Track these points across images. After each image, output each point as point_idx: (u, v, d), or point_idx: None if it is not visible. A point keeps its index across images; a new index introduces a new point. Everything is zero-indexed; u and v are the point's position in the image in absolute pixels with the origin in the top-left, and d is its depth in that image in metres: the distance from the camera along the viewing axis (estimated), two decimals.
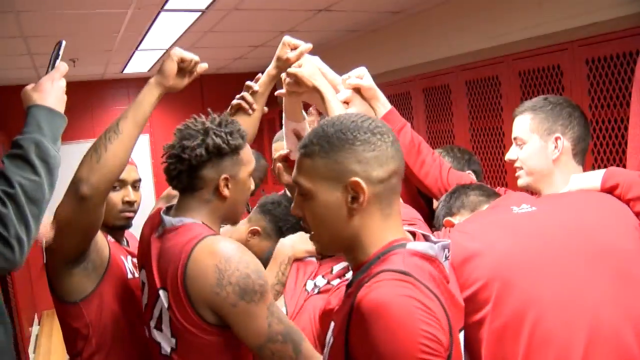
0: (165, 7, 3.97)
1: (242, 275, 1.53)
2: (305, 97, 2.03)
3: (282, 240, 2.05)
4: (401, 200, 1.59)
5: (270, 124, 7.03)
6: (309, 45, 1.98)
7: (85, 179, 1.64)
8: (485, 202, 1.81)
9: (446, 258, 1.28)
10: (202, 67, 1.97)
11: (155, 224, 1.73)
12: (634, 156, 2.79)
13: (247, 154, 1.74)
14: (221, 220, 1.75)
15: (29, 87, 1.56)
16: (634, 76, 2.74)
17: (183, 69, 1.89)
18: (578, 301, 1.43)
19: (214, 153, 1.65)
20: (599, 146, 3.27)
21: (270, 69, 2.03)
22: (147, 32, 4.72)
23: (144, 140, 7.44)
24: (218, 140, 1.64)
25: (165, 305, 1.59)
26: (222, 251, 1.55)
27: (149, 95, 1.81)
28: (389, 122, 2.00)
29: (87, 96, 7.08)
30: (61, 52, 1.72)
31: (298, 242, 2.01)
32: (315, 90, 1.91)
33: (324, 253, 1.75)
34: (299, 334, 1.60)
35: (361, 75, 2.02)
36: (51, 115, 1.51)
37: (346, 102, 1.97)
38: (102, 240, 1.93)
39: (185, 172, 1.66)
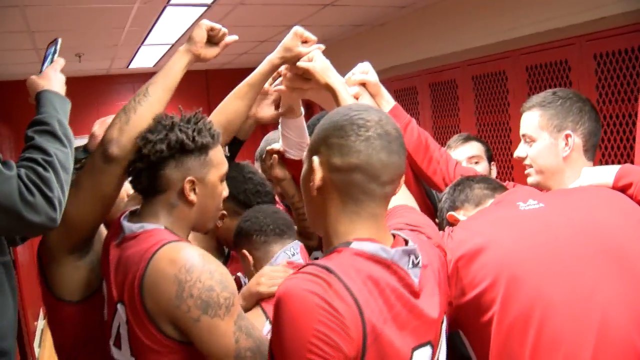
0: (171, 2, 3.95)
1: (204, 287, 1.38)
2: (310, 94, 1.95)
3: (248, 284, 1.84)
4: (413, 206, 1.59)
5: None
6: (322, 46, 1.89)
7: (115, 139, 1.58)
8: (491, 196, 1.76)
9: (415, 265, 1.21)
10: (232, 38, 1.86)
11: (116, 230, 1.58)
12: None
13: (218, 155, 1.60)
14: (189, 228, 1.61)
15: (34, 77, 1.68)
16: None
17: (212, 38, 1.82)
18: (587, 301, 1.38)
19: (176, 149, 1.52)
20: (606, 141, 3.25)
21: (274, 58, 1.89)
22: (152, 27, 4.70)
23: None
24: (182, 136, 1.52)
25: (124, 320, 1.45)
26: (183, 259, 1.40)
27: (179, 61, 1.77)
28: (394, 117, 1.99)
29: (92, 91, 7.07)
30: (58, 49, 1.82)
31: (265, 280, 1.79)
32: (327, 87, 1.80)
33: (311, 230, 1.70)
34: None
35: (366, 71, 1.99)
36: (61, 99, 1.63)
37: (355, 98, 1.91)
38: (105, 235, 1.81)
39: (144, 170, 1.53)
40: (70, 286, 1.72)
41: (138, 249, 1.46)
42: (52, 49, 1.80)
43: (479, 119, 4.23)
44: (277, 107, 2.12)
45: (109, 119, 1.75)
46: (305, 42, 1.88)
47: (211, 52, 1.84)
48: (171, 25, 4.70)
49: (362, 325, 1.08)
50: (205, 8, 4.20)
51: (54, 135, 1.51)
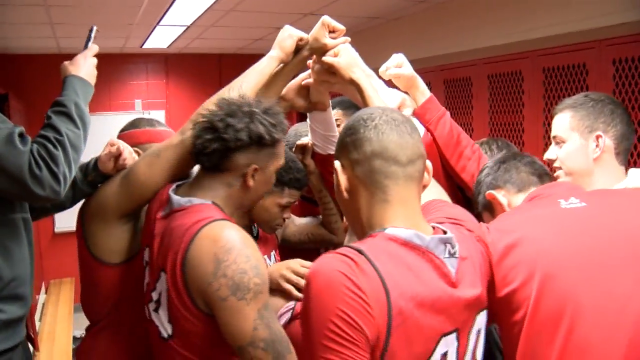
0: None
1: (239, 269, 1.44)
2: (338, 87, 1.94)
3: (270, 268, 1.99)
4: (444, 198, 1.59)
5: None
6: (347, 39, 1.89)
7: None
8: (536, 183, 1.70)
9: (451, 255, 1.23)
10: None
11: (162, 202, 1.67)
12: None
13: (281, 148, 1.69)
14: (237, 208, 1.69)
15: (66, 62, 1.89)
16: None
17: (298, 46, 1.94)
18: (620, 310, 1.33)
19: (254, 141, 1.59)
20: None
21: (304, 51, 1.93)
22: (169, 8, 4.68)
23: (159, 116, 7.44)
24: (262, 130, 1.59)
25: (165, 288, 1.54)
26: (224, 239, 1.47)
27: (269, 66, 1.87)
28: (427, 110, 1.97)
29: (105, 69, 6.98)
30: (93, 36, 2.00)
31: (286, 272, 1.98)
32: (352, 82, 1.80)
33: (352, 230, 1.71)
34: (287, 346, 1.49)
35: (400, 64, 1.96)
36: (83, 84, 1.83)
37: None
38: None
39: (219, 151, 1.60)
40: (112, 249, 1.82)
41: (184, 222, 1.54)
42: (88, 36, 1.99)
43: (492, 118, 4.20)
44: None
45: (118, 141, 1.86)
46: (332, 31, 1.89)
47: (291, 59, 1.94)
48: (188, 6, 4.67)
49: (387, 306, 1.10)
50: None
51: (69, 116, 1.69)
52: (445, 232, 1.27)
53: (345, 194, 1.30)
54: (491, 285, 1.41)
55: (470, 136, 4.29)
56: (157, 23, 5.37)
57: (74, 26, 5.31)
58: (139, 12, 4.81)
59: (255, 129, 1.59)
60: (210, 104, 1.71)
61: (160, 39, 6.31)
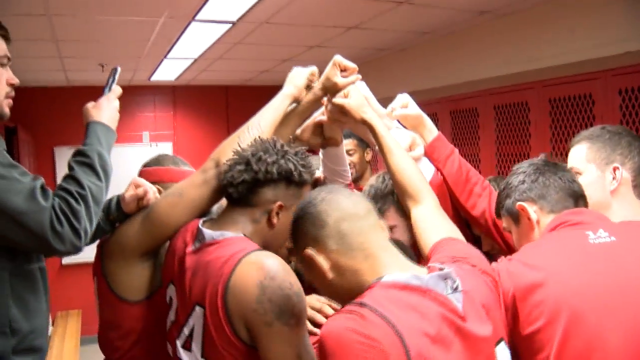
0: (197, 18, 3.98)
1: (283, 295, 1.45)
2: (350, 126, 1.97)
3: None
4: (455, 235, 1.57)
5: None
6: (359, 76, 1.92)
7: None
8: (570, 206, 1.63)
9: (454, 290, 1.24)
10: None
11: (190, 237, 1.67)
12: None
13: (306, 192, 1.68)
14: (262, 245, 1.66)
15: (89, 105, 1.83)
16: None
17: (310, 82, 1.98)
18: None
19: (282, 176, 1.62)
20: None
21: (316, 90, 1.95)
22: (176, 41, 4.74)
23: (167, 148, 7.47)
24: (291, 167, 1.62)
25: (201, 322, 1.53)
26: (267, 267, 1.48)
27: (282, 103, 1.90)
28: (435, 149, 1.96)
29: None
30: (117, 77, 1.94)
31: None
32: (364, 122, 1.82)
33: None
34: None
35: (406, 104, 1.97)
36: (107, 131, 1.79)
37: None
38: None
39: (247, 183, 1.62)
40: (133, 286, 1.83)
41: (221, 255, 1.54)
42: (111, 77, 1.93)
43: (499, 148, 4.20)
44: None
45: (142, 181, 1.87)
46: (344, 70, 1.91)
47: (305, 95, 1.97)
48: (195, 40, 4.73)
49: (404, 350, 1.10)
50: (230, 25, 4.23)
51: (92, 168, 1.65)
52: (442, 269, 1.27)
53: (330, 275, 1.29)
54: (515, 322, 1.40)
55: (477, 167, 4.31)
56: (165, 56, 5.42)
57: (83, 60, 5.37)
58: (147, 45, 4.87)
59: (285, 165, 1.62)
60: (232, 143, 1.76)
61: (168, 72, 6.38)
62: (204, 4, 3.64)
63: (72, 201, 1.55)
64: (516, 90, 4.01)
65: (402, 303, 1.17)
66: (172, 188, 1.83)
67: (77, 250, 1.57)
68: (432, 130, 1.99)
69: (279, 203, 1.63)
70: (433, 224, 1.61)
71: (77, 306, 6.70)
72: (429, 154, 1.99)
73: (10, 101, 1.75)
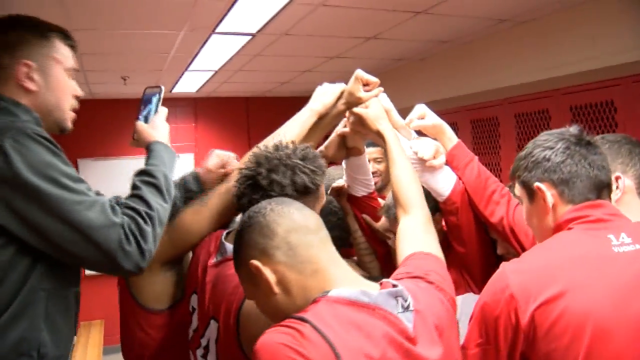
0: (217, 30, 4.02)
1: None
2: (371, 136, 1.99)
3: None
4: (433, 251, 1.54)
5: None
6: (381, 89, 1.95)
7: None
8: (592, 198, 1.51)
9: (405, 309, 1.19)
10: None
11: (214, 248, 1.68)
12: None
13: (323, 189, 1.68)
14: None
15: (143, 125, 1.79)
16: None
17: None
18: None
19: (301, 193, 1.58)
20: None
21: (340, 104, 1.97)
22: (197, 54, 4.79)
23: (188, 159, 7.53)
24: (306, 179, 1.58)
25: (215, 336, 1.53)
26: None
27: (309, 119, 1.92)
28: (455, 156, 1.96)
29: (135, 114, 7.17)
30: (162, 97, 1.87)
31: None
32: (379, 134, 1.86)
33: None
34: None
35: (423, 115, 1.98)
36: (170, 153, 1.73)
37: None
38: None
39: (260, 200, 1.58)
40: (157, 295, 1.85)
41: None
42: (156, 97, 1.86)
43: None
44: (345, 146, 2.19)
45: (222, 152, 1.91)
46: (366, 84, 1.94)
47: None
48: (216, 52, 4.77)
49: None
50: (250, 37, 4.27)
51: (159, 189, 1.60)
52: (394, 286, 1.24)
53: (275, 289, 1.23)
54: (531, 340, 1.33)
55: (498, 176, 4.29)
56: (186, 68, 5.48)
57: (105, 73, 5.44)
58: (168, 58, 4.92)
59: (300, 181, 1.57)
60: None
61: (189, 84, 6.44)
62: (224, 16, 3.68)
63: (141, 221, 1.51)
64: (536, 98, 3.99)
65: (346, 321, 1.13)
66: (199, 198, 1.85)
67: (140, 271, 1.52)
68: (452, 139, 1.99)
69: None
70: (413, 237, 1.58)
71: (100, 316, 6.76)
72: (449, 161, 2.00)
73: (73, 114, 1.72)
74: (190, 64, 5.23)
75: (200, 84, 6.48)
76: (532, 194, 1.56)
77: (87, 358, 5.63)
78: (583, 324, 1.30)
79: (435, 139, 2.02)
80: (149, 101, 1.86)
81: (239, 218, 1.91)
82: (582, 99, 3.60)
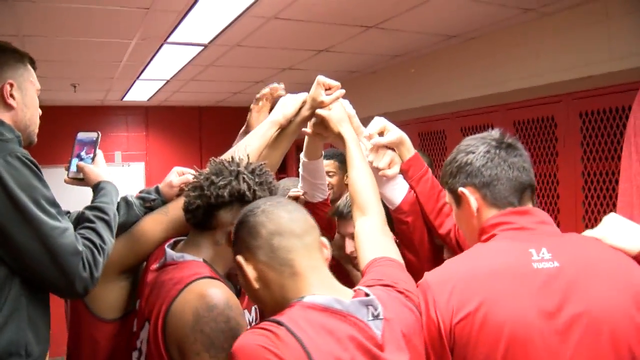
0: (169, 40, 4.01)
1: (216, 328, 1.44)
2: (331, 139, 2.03)
3: None
4: (393, 255, 1.58)
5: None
6: (342, 91, 1.99)
7: None
8: (514, 203, 1.53)
9: (375, 317, 1.25)
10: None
11: (158, 256, 1.71)
12: (624, 210, 2.82)
13: None
14: (226, 267, 1.70)
15: (90, 166, 1.92)
16: (625, 131, 2.79)
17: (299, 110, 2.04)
18: None
19: (235, 198, 1.64)
20: (590, 198, 3.30)
21: (304, 110, 2.01)
22: (149, 63, 4.77)
23: (139, 168, 7.45)
24: (244, 187, 1.64)
25: (146, 337, 1.56)
26: (208, 297, 1.48)
27: (270, 130, 1.97)
28: (412, 167, 2.01)
29: (86, 121, 7.07)
30: (98, 140, 2.00)
31: None
32: (340, 137, 1.90)
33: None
34: None
35: (383, 129, 2.02)
36: (116, 191, 1.87)
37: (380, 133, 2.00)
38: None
39: (202, 208, 1.65)
40: (111, 304, 1.86)
41: (174, 276, 1.57)
42: (96, 139, 1.99)
43: None
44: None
45: (185, 169, 1.96)
46: (328, 89, 1.98)
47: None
48: (167, 62, 4.76)
49: None
50: (202, 48, 4.27)
51: (109, 225, 1.73)
52: (367, 295, 1.29)
53: (255, 284, 1.32)
54: (440, 349, 1.35)
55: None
56: (137, 77, 5.44)
57: (55, 79, 5.36)
58: (119, 66, 4.89)
59: (237, 186, 1.63)
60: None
61: (141, 92, 6.39)
62: (176, 27, 3.68)
63: (96, 252, 1.64)
64: (482, 112, 4.11)
65: (319, 326, 1.18)
66: (161, 207, 1.90)
67: (85, 294, 1.64)
68: (409, 149, 2.04)
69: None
70: (373, 239, 1.62)
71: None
72: (404, 171, 2.04)
73: None
74: (141, 72, 5.20)
75: (152, 92, 6.43)
76: (458, 199, 1.59)
77: None
78: (499, 335, 1.30)
79: (393, 148, 2.07)
80: (86, 143, 1.98)
81: None
82: (525, 114, 3.73)
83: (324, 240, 1.42)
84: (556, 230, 1.52)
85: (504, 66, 3.96)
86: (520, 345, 1.29)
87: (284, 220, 1.33)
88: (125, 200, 1.90)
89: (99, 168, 1.92)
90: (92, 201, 1.80)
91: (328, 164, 3.14)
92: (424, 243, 2.06)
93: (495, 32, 3.99)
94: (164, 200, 1.92)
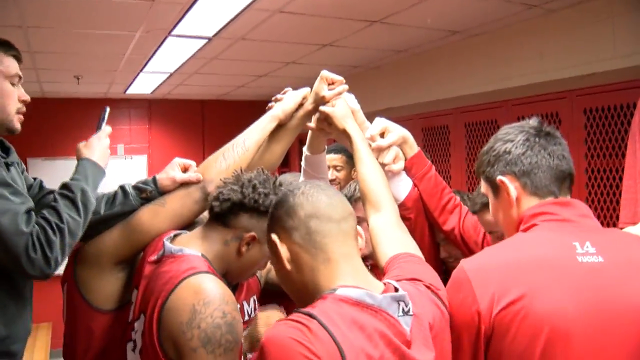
0: (173, 33, 4.01)
1: (213, 323, 1.45)
2: (335, 135, 2.02)
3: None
4: (413, 250, 1.56)
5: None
6: (345, 87, 1.97)
7: (214, 181, 1.82)
8: (555, 192, 1.50)
9: (405, 313, 1.23)
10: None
11: (157, 247, 1.70)
12: (628, 207, 2.81)
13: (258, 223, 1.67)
14: (224, 269, 1.69)
15: (81, 144, 1.92)
16: (630, 128, 2.78)
17: (299, 106, 2.03)
18: None
19: (266, 210, 1.59)
20: (593, 195, 3.29)
21: (307, 104, 2.00)
22: (152, 56, 4.76)
23: (141, 161, 7.46)
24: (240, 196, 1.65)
25: (142, 329, 1.56)
26: (204, 292, 1.48)
27: (269, 124, 1.97)
28: (415, 164, 2.00)
29: (89, 113, 7.06)
30: (106, 117, 2.04)
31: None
32: (345, 133, 1.88)
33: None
34: None
35: (383, 130, 2.00)
36: (96, 169, 1.86)
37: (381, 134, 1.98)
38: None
39: (231, 202, 1.65)
40: (107, 295, 1.86)
41: (171, 269, 1.56)
42: (101, 117, 2.03)
43: (469, 166, 4.28)
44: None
45: (186, 161, 1.93)
46: (331, 83, 1.97)
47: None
48: (171, 55, 4.76)
49: None
50: (206, 41, 4.27)
51: (74, 203, 1.72)
52: (397, 289, 1.27)
53: (287, 265, 1.31)
54: (492, 337, 1.33)
55: (448, 183, 4.37)
56: (141, 70, 5.44)
57: (58, 72, 5.37)
58: (122, 59, 4.88)
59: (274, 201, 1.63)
60: (216, 159, 1.87)
61: (144, 85, 6.38)
62: (181, 19, 3.68)
63: (50, 232, 1.63)
64: (486, 108, 4.10)
65: (351, 320, 1.16)
66: (158, 198, 1.88)
67: (45, 277, 1.65)
68: (412, 147, 2.03)
69: (252, 234, 1.65)
70: (391, 235, 1.61)
71: (48, 319, 6.63)
72: (408, 169, 2.03)
73: (22, 117, 1.90)
74: (145, 65, 5.20)
75: (155, 85, 6.43)
76: (495, 188, 1.56)
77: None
78: (539, 328, 1.29)
79: (398, 145, 2.06)
80: (99, 122, 2.03)
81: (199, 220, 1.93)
82: (529, 110, 3.71)
83: (360, 229, 1.39)
84: (598, 224, 1.50)
85: (507, 62, 3.95)
86: (560, 339, 1.28)
87: (323, 204, 1.32)
88: (122, 189, 1.88)
89: (87, 147, 1.91)
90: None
91: (336, 158, 3.13)
92: (424, 240, 2.06)
93: (499, 29, 3.98)
94: (161, 192, 1.89)
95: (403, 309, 1.23)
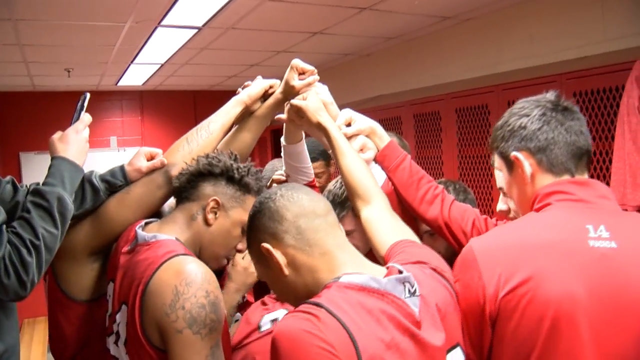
0: (162, 23, 4.00)
1: (197, 303, 1.44)
2: (305, 128, 2.00)
3: (237, 261, 2.01)
4: (411, 237, 1.55)
5: (260, 144, 7.05)
6: (316, 77, 1.94)
7: (178, 164, 1.79)
8: (571, 170, 1.45)
9: (412, 294, 1.22)
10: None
11: (129, 238, 1.69)
12: (617, 189, 2.84)
13: (249, 205, 1.64)
14: (197, 247, 1.69)
15: (55, 137, 1.72)
16: (618, 110, 2.81)
17: (266, 93, 2.02)
18: None
19: (222, 172, 1.69)
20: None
21: (277, 93, 1.98)
22: (143, 47, 4.75)
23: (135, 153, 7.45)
24: (234, 166, 1.69)
25: (125, 320, 1.54)
26: (186, 273, 1.47)
27: (234, 109, 1.94)
28: (387, 157, 1.91)
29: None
30: (85, 104, 1.83)
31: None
32: (319, 126, 1.84)
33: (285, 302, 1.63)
34: None
35: (349, 121, 1.93)
36: (72, 169, 1.68)
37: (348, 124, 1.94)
38: None
39: (189, 174, 1.69)
40: (83, 286, 1.83)
41: (148, 256, 1.55)
42: (79, 104, 1.83)
43: (460, 151, 4.30)
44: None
45: (152, 150, 1.89)
46: (302, 73, 1.94)
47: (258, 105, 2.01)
48: (161, 45, 4.75)
49: (356, 355, 1.09)
50: (195, 30, 4.26)
51: (49, 213, 1.56)
52: (400, 272, 1.27)
53: (286, 270, 1.29)
54: (495, 326, 1.33)
55: (440, 169, 4.41)
56: (132, 61, 5.43)
57: (49, 64, 5.35)
58: (113, 50, 4.87)
59: (227, 164, 1.68)
60: (180, 144, 1.85)
61: (135, 77, 6.37)
62: (170, 9, 3.67)
63: (24, 252, 1.50)
64: (477, 94, 4.11)
65: (358, 306, 1.15)
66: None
67: (19, 299, 1.53)
68: (382, 138, 1.94)
69: (214, 198, 1.66)
70: (386, 224, 1.60)
71: (44, 313, 6.65)
72: (380, 161, 1.97)
73: None
74: (135, 56, 5.18)
75: (147, 77, 6.42)
76: (510, 164, 1.51)
77: (32, 356, 5.53)
78: (545, 312, 1.26)
79: (367, 137, 2.02)
80: (76, 110, 1.83)
81: (167, 208, 1.93)
82: (519, 94, 3.66)
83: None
84: (616, 206, 1.44)
85: (498, 47, 3.96)
86: (565, 324, 1.26)
87: (306, 201, 1.33)
88: (91, 185, 1.77)
89: (62, 141, 1.72)
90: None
91: (316, 166, 3.10)
92: None
93: (490, 14, 3.99)
94: (129, 183, 1.85)
95: (409, 290, 1.22)
